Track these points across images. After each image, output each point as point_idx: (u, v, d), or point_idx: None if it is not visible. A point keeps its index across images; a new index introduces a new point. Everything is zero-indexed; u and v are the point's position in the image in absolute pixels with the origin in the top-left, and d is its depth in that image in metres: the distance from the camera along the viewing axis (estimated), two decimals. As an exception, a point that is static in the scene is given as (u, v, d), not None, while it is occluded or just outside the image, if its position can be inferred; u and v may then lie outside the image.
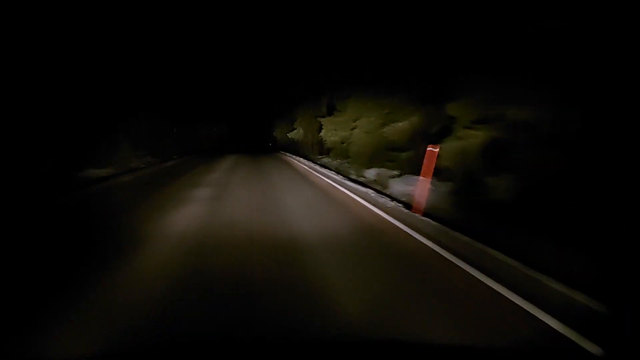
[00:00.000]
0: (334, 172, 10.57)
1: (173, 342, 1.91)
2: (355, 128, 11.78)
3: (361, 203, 6.12)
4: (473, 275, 2.97)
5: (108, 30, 11.76)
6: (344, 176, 9.70)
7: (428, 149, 5.24)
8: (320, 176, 9.66)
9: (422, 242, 3.86)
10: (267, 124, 43.65)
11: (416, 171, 8.26)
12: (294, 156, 18.69)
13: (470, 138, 6.25)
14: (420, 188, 5.35)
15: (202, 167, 11.79)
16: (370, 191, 7.24)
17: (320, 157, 16.89)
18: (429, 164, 5.22)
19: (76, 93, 10.71)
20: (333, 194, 7.03)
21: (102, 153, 11.42)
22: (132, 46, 13.97)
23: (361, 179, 9.29)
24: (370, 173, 9.53)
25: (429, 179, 5.33)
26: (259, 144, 42.31)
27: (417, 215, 5.12)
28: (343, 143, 12.76)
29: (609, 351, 1.92)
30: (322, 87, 18.61)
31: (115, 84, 12.49)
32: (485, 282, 2.85)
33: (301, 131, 22.68)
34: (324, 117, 14.99)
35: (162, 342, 1.94)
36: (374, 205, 5.87)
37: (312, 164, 13.37)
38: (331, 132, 13.65)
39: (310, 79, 21.75)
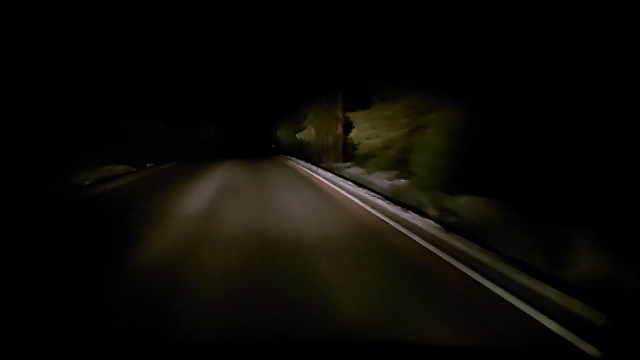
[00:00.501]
0: (391, 203, 6.04)
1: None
2: (410, 127, 7.41)
3: None
4: None
5: (90, 18, 10.50)
6: (422, 214, 5.18)
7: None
8: (383, 217, 5.08)
9: None
10: (269, 124, 39.22)
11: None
12: (305, 163, 14.22)
13: None
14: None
15: (174, 187, 7.41)
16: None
17: (343, 165, 12.51)
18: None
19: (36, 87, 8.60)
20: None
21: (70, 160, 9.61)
22: (119, 41, 12.56)
23: (452, 221, 4.88)
24: (469, 207, 5.12)
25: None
26: (260, 145, 38.11)
27: None
28: (388, 148, 8.42)
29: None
30: (344, 77, 14.40)
31: (94, 80, 11.18)
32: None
33: (312, 131, 18.30)
34: (350, 111, 10.62)
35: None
36: None
37: (341, 181, 8.76)
38: (367, 131, 9.30)
39: (324, 70, 17.61)
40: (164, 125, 24.68)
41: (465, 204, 5.34)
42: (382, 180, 8.36)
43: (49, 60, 9.22)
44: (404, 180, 7.75)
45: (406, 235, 4.08)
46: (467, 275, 2.89)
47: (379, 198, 6.13)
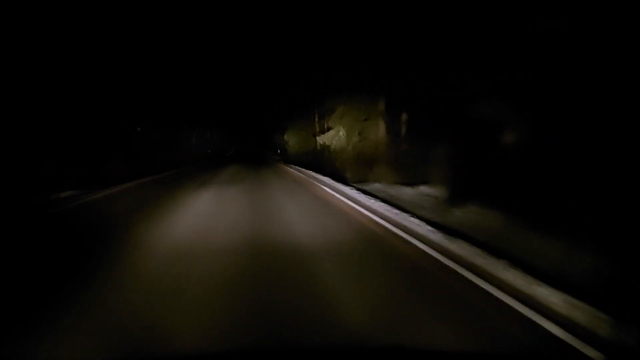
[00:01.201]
0: None
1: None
2: None
3: None
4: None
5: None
6: None
7: None
8: None
9: None
10: (273, 126, 33.50)
11: None
12: (342, 186, 8.32)
13: None
14: None
15: None
16: None
17: (423, 193, 6.78)
18: None
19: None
20: None
21: None
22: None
23: None
24: None
25: None
26: (263, 151, 32.59)
27: None
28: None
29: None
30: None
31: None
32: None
33: (342, 133, 12.70)
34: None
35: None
36: None
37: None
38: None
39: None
40: (144, 129, 19.16)
41: None
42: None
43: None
44: None
45: None
46: None
47: None
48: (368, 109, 12.09)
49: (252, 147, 34.17)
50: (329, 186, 8.53)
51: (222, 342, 1.85)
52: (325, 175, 10.70)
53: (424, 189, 7.73)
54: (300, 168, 14.28)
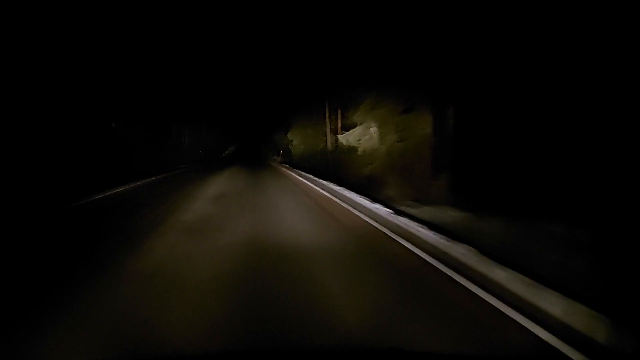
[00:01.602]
0: None
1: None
2: None
3: None
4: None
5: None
6: None
7: None
8: None
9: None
10: (276, 123, 30.08)
11: None
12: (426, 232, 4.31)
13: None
14: None
15: None
16: None
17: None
18: None
19: None
20: None
21: None
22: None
23: None
24: None
25: None
26: (262, 152, 29.30)
27: None
28: None
29: None
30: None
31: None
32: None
33: (373, 130, 9.40)
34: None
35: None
36: None
37: None
38: None
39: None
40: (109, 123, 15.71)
41: None
42: None
43: None
44: None
45: None
46: None
47: None
48: (409, 97, 8.90)
49: (251, 147, 30.89)
50: (411, 239, 4.56)
51: None
52: (367, 197, 6.88)
53: (544, 225, 4.43)
54: (317, 179, 9.91)
